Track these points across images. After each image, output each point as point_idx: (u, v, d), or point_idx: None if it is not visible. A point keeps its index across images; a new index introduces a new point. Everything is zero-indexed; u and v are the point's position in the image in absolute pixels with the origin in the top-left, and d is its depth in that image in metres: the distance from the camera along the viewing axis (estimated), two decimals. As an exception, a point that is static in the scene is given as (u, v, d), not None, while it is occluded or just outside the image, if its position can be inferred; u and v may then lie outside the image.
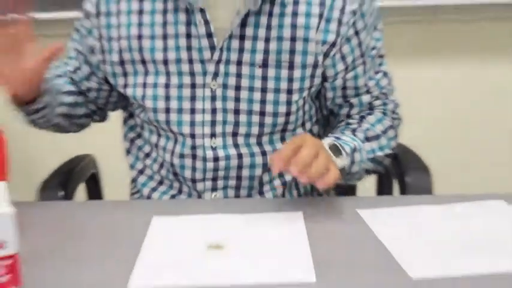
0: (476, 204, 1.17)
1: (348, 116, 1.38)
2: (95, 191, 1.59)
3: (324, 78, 1.31)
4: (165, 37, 1.27)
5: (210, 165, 1.31)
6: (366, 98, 1.36)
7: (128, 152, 1.42)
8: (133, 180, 1.44)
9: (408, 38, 2.27)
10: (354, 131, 1.32)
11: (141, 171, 1.42)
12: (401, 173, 1.43)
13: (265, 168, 1.34)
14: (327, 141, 1.21)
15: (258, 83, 1.26)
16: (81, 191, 1.57)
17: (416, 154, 1.50)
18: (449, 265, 0.95)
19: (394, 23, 1.99)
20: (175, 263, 1.00)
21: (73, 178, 1.47)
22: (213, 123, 1.29)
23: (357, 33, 1.29)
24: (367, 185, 1.51)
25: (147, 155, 1.40)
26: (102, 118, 1.49)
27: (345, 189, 1.45)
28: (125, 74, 1.31)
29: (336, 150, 1.20)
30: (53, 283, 0.94)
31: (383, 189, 1.52)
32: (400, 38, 2.29)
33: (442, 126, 2.28)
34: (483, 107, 2.41)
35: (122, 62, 1.29)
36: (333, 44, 1.28)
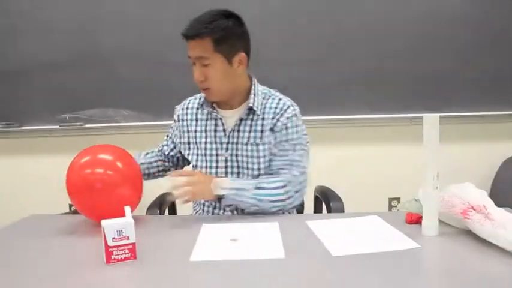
0: (366, 218, 1.20)
1: (270, 167, 1.33)
2: (173, 210, 1.57)
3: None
4: (205, 131, 1.36)
5: None
6: (275, 164, 1.31)
7: None
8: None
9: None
10: (255, 179, 1.29)
11: None
12: (327, 201, 1.42)
13: None
14: (226, 179, 1.26)
15: (245, 152, 1.32)
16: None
17: (335, 192, 1.48)
18: (355, 247, 0.97)
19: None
20: (214, 247, 1.02)
21: (163, 203, 1.47)
22: (226, 172, 1.34)
23: (286, 128, 1.31)
24: (308, 209, 1.52)
25: None
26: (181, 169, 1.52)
27: (299, 211, 1.43)
28: (188, 149, 1.40)
29: (222, 184, 1.23)
30: (150, 256, 0.96)
31: (318, 210, 1.52)
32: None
33: (344, 179, 2.12)
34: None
35: (186, 143, 1.40)
36: (275, 131, 1.31)
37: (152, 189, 1.45)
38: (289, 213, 1.39)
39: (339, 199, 1.36)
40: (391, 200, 2.43)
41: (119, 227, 0.91)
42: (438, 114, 1.00)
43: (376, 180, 2.38)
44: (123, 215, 0.99)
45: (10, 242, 1.09)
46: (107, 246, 0.90)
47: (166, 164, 1.49)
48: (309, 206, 1.54)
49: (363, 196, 2.10)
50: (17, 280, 0.86)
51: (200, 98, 1.40)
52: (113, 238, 0.90)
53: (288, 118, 1.30)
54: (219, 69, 1.24)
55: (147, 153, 1.49)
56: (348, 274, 0.85)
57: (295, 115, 1.32)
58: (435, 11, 2.24)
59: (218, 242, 1.03)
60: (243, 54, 1.27)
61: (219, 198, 1.24)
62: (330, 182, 1.52)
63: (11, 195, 2.31)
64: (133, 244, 0.92)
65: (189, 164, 1.45)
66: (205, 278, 0.84)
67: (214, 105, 1.35)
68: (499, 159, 2.39)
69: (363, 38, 2.25)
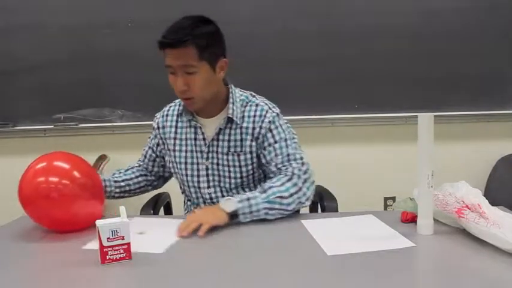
0: (361, 217, 1.21)
1: (270, 172, 1.30)
2: (168, 210, 1.57)
3: (258, 157, 1.31)
4: (185, 140, 1.34)
5: (208, 201, 1.34)
6: (274, 165, 1.27)
7: (182, 193, 1.44)
8: (185, 203, 1.45)
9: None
10: (259, 187, 1.25)
11: (188, 200, 1.42)
12: (322, 201, 1.43)
13: None
14: (229, 198, 1.18)
15: (226, 162, 1.31)
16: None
17: (330, 191, 1.49)
18: (350, 246, 0.97)
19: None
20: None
21: (158, 203, 1.47)
22: (208, 181, 1.33)
23: (270, 130, 1.28)
24: (304, 208, 1.46)
25: (186, 195, 1.41)
26: (158, 186, 1.49)
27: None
28: (169, 156, 1.37)
29: (228, 201, 1.16)
30: (145, 256, 0.96)
31: (314, 209, 1.50)
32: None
33: (340, 178, 2.13)
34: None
35: (167, 149, 1.37)
36: (258, 139, 1.29)
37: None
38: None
39: (333, 198, 1.36)
40: (386, 199, 2.43)
41: (113, 227, 0.90)
42: (433, 114, 1.00)
43: (371, 179, 2.38)
44: (84, 225, 1.02)
45: (4, 242, 1.08)
46: (101, 246, 0.89)
47: (149, 178, 1.44)
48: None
49: (358, 195, 2.11)
50: (11, 281, 0.86)
51: (180, 105, 1.36)
52: (108, 238, 0.90)
53: (269, 122, 1.27)
54: (204, 77, 1.20)
55: (126, 170, 1.43)
56: (342, 273, 0.85)
57: (277, 115, 1.30)
58: (430, 10, 2.25)
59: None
60: (224, 60, 1.25)
61: (232, 217, 1.14)
62: (325, 181, 1.52)
63: (4, 196, 2.29)
64: (128, 244, 0.92)
65: (171, 174, 1.43)
66: (201, 278, 0.84)
67: (194, 113, 1.32)
68: (493, 158, 2.40)
69: (358, 38, 2.25)
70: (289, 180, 1.21)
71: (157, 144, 1.40)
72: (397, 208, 1.15)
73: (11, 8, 2.18)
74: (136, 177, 1.41)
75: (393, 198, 2.43)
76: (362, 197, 2.19)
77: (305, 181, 1.23)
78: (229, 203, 1.14)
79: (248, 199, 1.16)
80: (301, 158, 1.27)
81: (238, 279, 0.84)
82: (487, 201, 1.03)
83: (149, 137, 1.43)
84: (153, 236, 1.07)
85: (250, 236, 1.08)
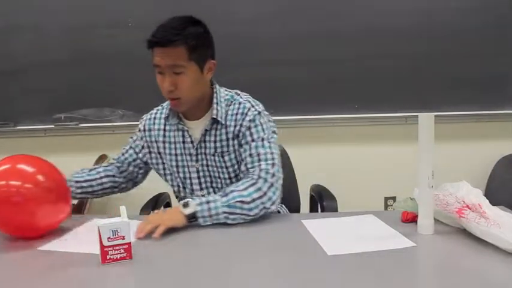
0: (362, 216, 1.21)
1: (240, 171, 1.29)
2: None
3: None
4: (174, 143, 1.34)
5: None
6: (245, 164, 1.26)
7: (176, 197, 1.43)
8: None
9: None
10: (221, 191, 1.22)
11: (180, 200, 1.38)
12: (321, 200, 1.42)
13: None
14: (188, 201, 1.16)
15: (213, 163, 1.31)
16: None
17: (329, 191, 1.49)
18: (350, 246, 0.97)
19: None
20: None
21: (158, 203, 1.48)
22: (200, 183, 1.33)
23: (249, 128, 1.27)
24: (305, 207, 1.49)
25: (180, 197, 1.41)
26: (126, 189, 1.43)
27: (295, 209, 1.42)
28: (159, 158, 1.36)
29: (187, 205, 1.14)
30: (146, 256, 0.97)
31: (314, 209, 1.52)
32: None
33: (340, 178, 2.15)
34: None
35: (156, 153, 1.37)
36: (239, 137, 1.28)
37: (147, 189, 1.46)
38: (279, 212, 1.38)
39: (332, 198, 1.36)
40: (386, 199, 2.44)
41: (114, 227, 0.90)
42: (433, 113, 1.01)
43: (371, 179, 2.38)
44: (49, 229, 1.00)
45: (4, 241, 1.08)
46: (102, 246, 0.89)
47: (117, 179, 1.38)
48: (305, 205, 1.54)
49: (358, 195, 2.11)
50: (12, 279, 0.86)
51: (167, 108, 1.35)
52: (108, 238, 0.90)
53: (250, 120, 1.26)
54: (191, 78, 1.20)
55: (91, 170, 1.38)
56: (343, 273, 0.85)
57: (258, 113, 1.28)
58: (430, 10, 2.25)
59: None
60: (213, 61, 1.25)
61: (191, 220, 1.13)
62: (326, 181, 1.53)
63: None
64: (129, 244, 0.92)
65: (146, 174, 1.41)
66: (204, 278, 0.84)
67: (181, 115, 1.31)
68: (493, 157, 2.40)
69: (358, 38, 2.25)
70: (253, 184, 1.18)
71: (143, 147, 1.38)
72: (398, 208, 1.15)
73: (11, 8, 2.18)
74: (101, 177, 1.36)
75: (393, 198, 2.43)
76: (362, 197, 2.19)
77: (271, 185, 1.20)
78: (188, 206, 1.14)
79: (208, 202, 1.14)
80: (273, 159, 1.24)
81: (239, 279, 0.84)
82: (487, 201, 1.03)
83: (131, 137, 1.41)
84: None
85: (251, 236, 1.08)
